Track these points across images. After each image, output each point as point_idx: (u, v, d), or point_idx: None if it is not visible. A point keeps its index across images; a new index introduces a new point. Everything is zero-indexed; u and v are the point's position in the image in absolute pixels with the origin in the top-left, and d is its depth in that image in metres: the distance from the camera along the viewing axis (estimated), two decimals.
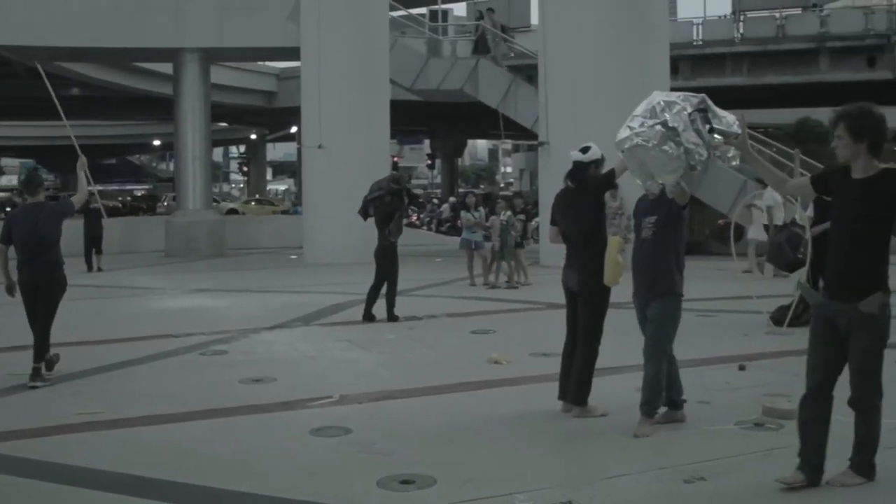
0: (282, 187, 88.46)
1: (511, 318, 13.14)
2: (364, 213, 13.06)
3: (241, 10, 26.90)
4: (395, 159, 49.22)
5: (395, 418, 7.37)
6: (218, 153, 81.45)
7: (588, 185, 7.33)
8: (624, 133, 6.65)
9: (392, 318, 12.59)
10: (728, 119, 6.59)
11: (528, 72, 26.60)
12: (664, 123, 6.45)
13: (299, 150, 27.89)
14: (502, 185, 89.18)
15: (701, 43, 36.98)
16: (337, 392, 8.22)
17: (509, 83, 25.91)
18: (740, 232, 20.67)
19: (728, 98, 40.68)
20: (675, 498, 5.44)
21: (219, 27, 27.08)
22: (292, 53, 26.00)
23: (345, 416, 7.42)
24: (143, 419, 7.46)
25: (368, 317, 12.66)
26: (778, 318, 11.33)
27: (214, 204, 51.50)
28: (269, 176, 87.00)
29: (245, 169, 74.84)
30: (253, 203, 55.40)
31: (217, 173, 78.92)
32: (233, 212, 48.25)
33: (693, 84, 35.89)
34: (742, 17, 37.16)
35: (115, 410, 7.71)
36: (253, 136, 66.59)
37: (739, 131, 6.32)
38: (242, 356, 10.27)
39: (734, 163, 6.85)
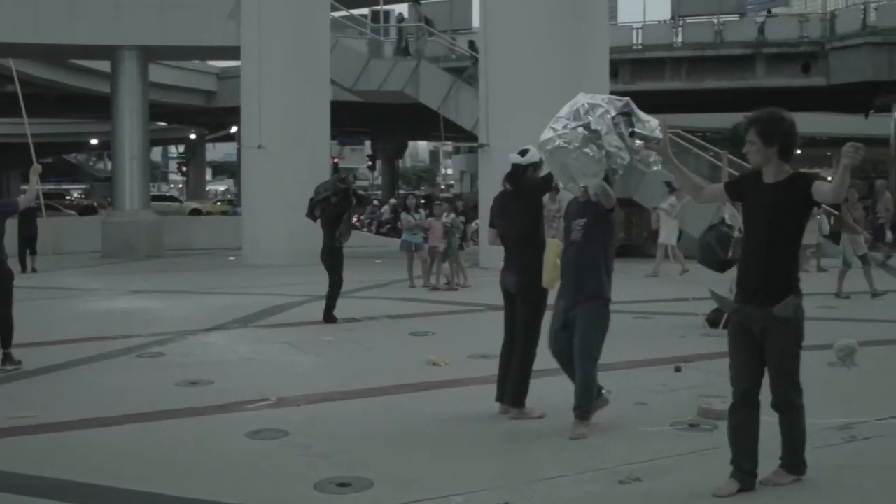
0: (221, 188, 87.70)
1: (450, 319, 13.16)
2: (311, 214, 12.97)
3: (180, 7, 26.57)
4: (336, 160, 48.99)
5: (333, 420, 7.35)
6: (157, 153, 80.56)
7: (526, 188, 7.36)
8: (547, 134, 6.65)
9: (330, 319, 12.55)
10: (651, 123, 6.59)
11: (469, 73, 26.69)
12: (587, 126, 6.46)
13: (239, 151, 27.62)
14: (443, 186, 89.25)
15: (641, 47, 37.36)
16: (274, 394, 8.17)
17: (450, 85, 25.98)
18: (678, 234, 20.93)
19: (668, 102, 41.32)
20: (610, 499, 5.48)
21: (158, 25, 26.72)
22: (233, 53, 25.77)
23: (282, 418, 7.38)
24: (78, 423, 7.35)
25: (331, 319, 12.63)
26: (713, 319, 11.47)
27: (178, 204, 50.99)
28: (208, 176, 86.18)
29: (184, 169, 74.04)
30: (219, 203, 54.84)
31: (155, 173, 78.09)
32: (196, 212, 47.86)
33: (633, 88, 36.28)
34: (681, 23, 37.59)
35: (49, 414, 7.59)
36: (192, 136, 65.87)
37: (661, 136, 6.28)
38: (179, 358, 10.17)
39: (655, 168, 6.84)
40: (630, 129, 6.50)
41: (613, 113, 6.54)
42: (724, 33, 36.64)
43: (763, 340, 5.42)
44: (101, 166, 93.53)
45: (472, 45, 28.50)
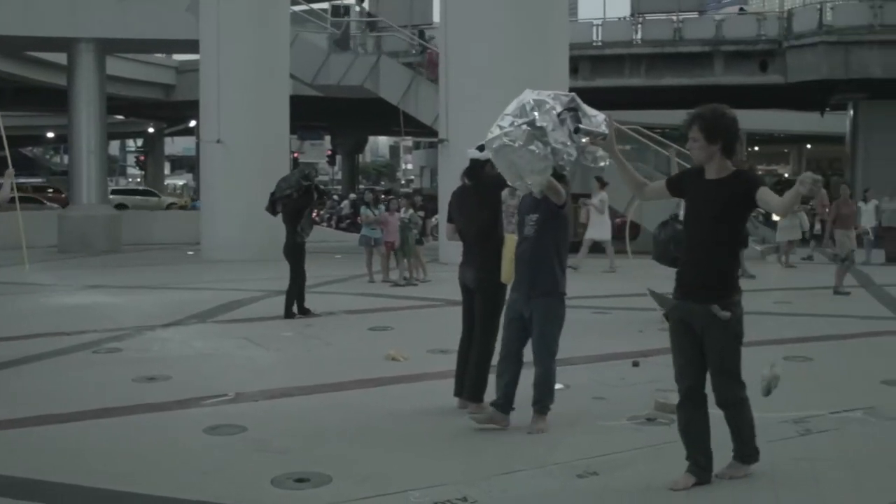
0: (180, 182, 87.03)
1: (409, 314, 13.16)
2: (272, 209, 12.93)
3: (138, 0, 26.37)
4: (296, 155, 48.79)
5: (292, 416, 7.33)
6: (115, 146, 79.73)
7: (485, 183, 7.37)
8: (493, 132, 6.60)
9: (289, 315, 12.52)
10: (597, 119, 6.57)
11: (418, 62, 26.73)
12: (531, 123, 6.41)
13: (198, 145, 27.46)
14: (403, 182, 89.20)
15: (600, 44, 37.52)
16: (232, 390, 8.14)
17: (410, 80, 25.96)
18: (636, 230, 21.10)
19: (627, 99, 41.55)
20: (568, 493, 5.51)
21: (115, 17, 26.46)
22: (191, 46, 25.58)
23: (240, 414, 7.35)
24: (33, 419, 7.26)
25: (303, 311, 12.61)
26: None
27: (155, 199, 50.42)
28: (167, 170, 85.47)
29: (142, 159, 73.25)
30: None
31: (113, 167, 77.30)
32: (174, 207, 47.54)
33: (593, 84, 36.49)
34: (640, 20, 37.79)
35: (2, 410, 7.49)
36: (151, 130, 65.26)
37: (607, 131, 6.25)
38: (136, 354, 10.09)
39: (602, 164, 6.83)
40: (575, 125, 6.47)
41: (559, 109, 6.51)
42: (683, 31, 36.91)
43: (703, 337, 5.43)
44: (57, 160, 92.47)
45: (421, 34, 28.50)
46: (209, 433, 6.78)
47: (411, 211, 17.11)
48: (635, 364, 9.05)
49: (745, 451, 5.62)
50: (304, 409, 7.56)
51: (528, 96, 6.65)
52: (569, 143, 6.46)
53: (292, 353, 10.24)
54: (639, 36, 37.33)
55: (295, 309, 12.64)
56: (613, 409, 7.33)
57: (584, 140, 6.51)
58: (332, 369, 9.15)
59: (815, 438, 6.58)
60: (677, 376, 5.58)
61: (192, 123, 47.00)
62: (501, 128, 6.53)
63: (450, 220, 7.72)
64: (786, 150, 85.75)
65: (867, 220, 21.38)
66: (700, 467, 5.51)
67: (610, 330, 11.39)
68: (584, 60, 36.48)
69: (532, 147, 6.39)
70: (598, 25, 38.11)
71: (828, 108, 45.67)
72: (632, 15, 38.04)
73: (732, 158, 5.47)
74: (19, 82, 39.28)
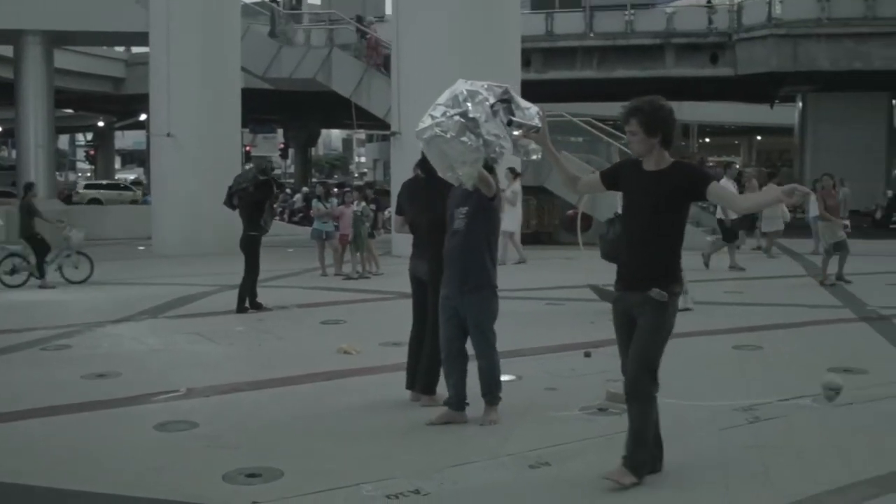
0: (131, 176, 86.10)
1: (362, 308, 13.13)
2: (229, 203, 12.89)
3: None
4: (248, 148, 48.48)
5: (243, 411, 7.29)
6: (64, 141, 78.70)
7: (437, 175, 7.34)
8: (425, 122, 6.52)
9: (241, 309, 12.45)
10: (531, 111, 6.47)
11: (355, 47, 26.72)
12: (464, 114, 6.34)
13: (148, 139, 27.20)
14: (356, 174, 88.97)
15: (553, 36, 37.65)
16: (184, 386, 8.07)
17: (362, 73, 25.89)
18: (588, 222, 21.17)
19: (579, 91, 41.68)
20: (520, 483, 5.52)
21: (63, 9, 26.19)
22: (141, 39, 25.32)
23: (191, 409, 7.29)
24: None
25: (255, 305, 12.56)
26: None
27: (129, 193, 49.55)
28: (117, 164, 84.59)
29: (92, 153, 72.37)
30: None
31: (63, 161, 76.32)
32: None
33: (545, 76, 36.66)
34: (592, 13, 37.97)
35: None
36: (101, 124, 64.58)
37: (539, 124, 6.16)
38: (86, 351, 9.98)
39: (534, 157, 6.77)
40: (508, 118, 6.39)
41: (492, 100, 6.43)
42: (635, 23, 37.14)
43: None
44: (4, 154, 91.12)
45: (359, 19, 28.42)
46: (160, 430, 6.72)
47: (363, 204, 17.07)
48: (587, 355, 9.08)
49: (637, 457, 5.37)
50: (255, 404, 7.51)
51: (462, 86, 6.56)
52: (501, 136, 6.39)
53: (244, 347, 10.18)
54: (591, 28, 37.49)
55: (247, 303, 12.57)
56: (565, 400, 7.35)
57: (516, 133, 6.42)
58: (283, 364, 9.11)
59: (765, 426, 6.65)
60: (623, 368, 5.54)
61: (143, 117, 46.51)
62: (434, 118, 6.45)
63: (399, 211, 7.68)
64: (736, 142, 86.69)
65: (814, 210, 21.52)
66: (650, 455, 5.52)
67: (562, 321, 11.44)
68: (537, 53, 36.63)
69: (464, 138, 6.32)
70: (550, 18, 38.22)
71: (777, 101, 46.24)
72: (584, 8, 38.22)
73: (670, 149, 5.43)
74: None
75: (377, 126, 29.12)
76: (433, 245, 7.24)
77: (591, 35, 37.46)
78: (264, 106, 42.01)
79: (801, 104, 42.89)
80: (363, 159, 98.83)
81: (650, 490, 5.34)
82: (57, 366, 9.18)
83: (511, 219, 18.76)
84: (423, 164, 7.40)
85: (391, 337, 9.65)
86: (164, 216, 22.42)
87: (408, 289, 7.61)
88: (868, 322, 11.28)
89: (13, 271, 15.99)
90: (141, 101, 33.41)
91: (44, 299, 14.34)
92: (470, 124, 6.33)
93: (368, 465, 5.80)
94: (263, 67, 27.20)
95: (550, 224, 24.67)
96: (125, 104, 49.23)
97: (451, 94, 6.53)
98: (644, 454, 5.38)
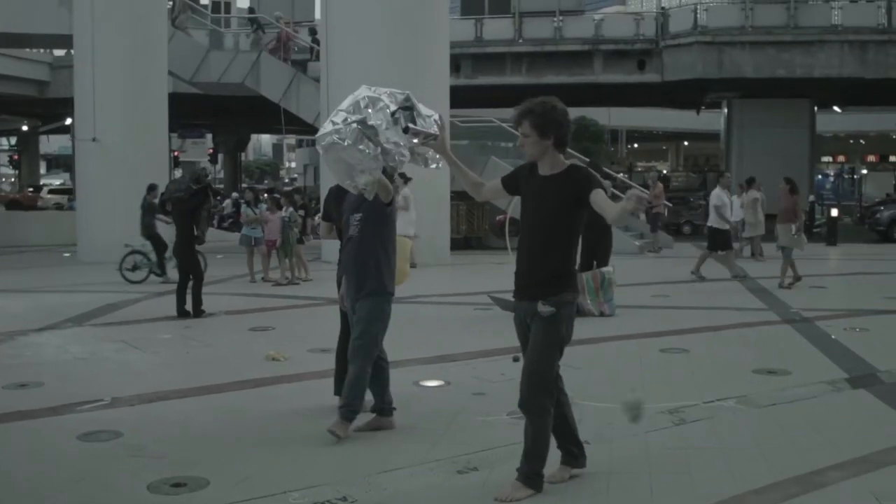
0: (57, 181, 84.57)
1: (290, 314, 13.04)
2: (163, 209, 13.00)
3: None
4: (176, 154, 47.91)
5: (169, 420, 7.18)
6: None
7: None
8: (325, 128, 6.39)
9: (199, 313, 12.42)
10: (430, 119, 6.35)
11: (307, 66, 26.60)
12: (363, 121, 6.23)
13: (74, 143, 26.75)
14: (287, 180, 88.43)
15: (482, 42, 37.80)
16: (108, 395, 7.94)
17: (291, 77, 25.77)
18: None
19: (509, 96, 41.73)
20: (448, 488, 5.53)
21: None
22: (65, 41, 24.91)
23: (116, 419, 7.17)
24: None
25: (183, 313, 12.48)
26: None
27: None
28: (42, 169, 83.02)
29: (16, 158, 70.95)
30: None
31: None
32: None
33: (475, 82, 36.79)
34: (521, 18, 38.19)
35: None
36: (25, 128, 63.32)
37: (437, 132, 6.02)
38: (8, 360, 9.76)
39: (433, 165, 6.63)
40: (406, 125, 6.25)
41: (393, 108, 6.32)
42: (564, 30, 37.44)
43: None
44: None
45: (312, 31, 28.39)
46: (83, 440, 6.60)
47: (291, 209, 16.99)
48: (515, 359, 9.04)
49: (531, 468, 5.30)
50: (181, 413, 7.42)
51: (363, 92, 6.44)
52: (401, 143, 6.27)
53: (171, 355, 10.06)
54: (520, 34, 37.71)
55: (189, 307, 12.51)
56: (493, 405, 7.37)
57: (414, 140, 6.29)
58: (210, 371, 9.01)
59: (689, 428, 6.74)
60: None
61: (68, 121, 45.76)
62: (335, 123, 6.33)
63: (326, 217, 7.61)
64: (664, 147, 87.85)
65: (738, 213, 21.90)
66: (573, 456, 5.56)
67: (491, 326, 11.46)
68: (466, 58, 36.78)
69: (361, 146, 6.20)
70: (480, 23, 38.36)
71: (703, 107, 46.93)
72: (513, 14, 38.44)
73: (564, 152, 5.31)
74: None
75: (307, 131, 28.94)
76: None
77: (521, 41, 37.68)
78: (193, 110, 41.56)
79: (726, 110, 43.56)
80: (293, 164, 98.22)
81: (574, 492, 5.38)
82: None
83: (406, 223, 18.89)
84: None
85: (320, 343, 9.61)
86: (90, 222, 22.04)
87: (336, 294, 7.56)
88: (791, 324, 11.50)
89: (135, 268, 17.09)
90: (66, 105, 32.85)
91: None
92: (369, 132, 6.20)
93: (296, 473, 5.76)
94: (191, 72, 26.91)
95: (480, 229, 24.77)
96: (50, 108, 48.30)
97: (353, 99, 6.40)
98: (539, 466, 5.30)
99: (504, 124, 26.42)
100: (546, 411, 5.25)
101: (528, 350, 5.26)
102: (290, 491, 5.41)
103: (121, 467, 5.99)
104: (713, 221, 17.12)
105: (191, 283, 12.69)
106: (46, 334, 11.41)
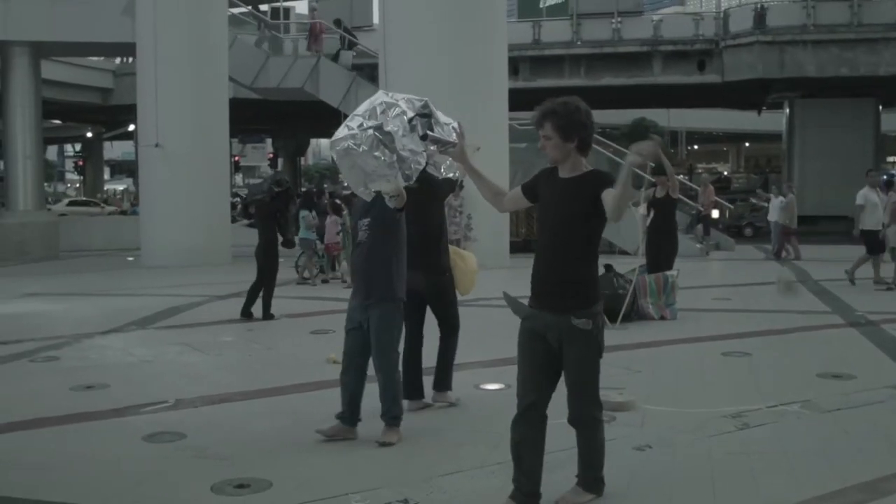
0: (120, 187, 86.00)
1: None
2: (245, 213, 13.30)
3: (73, 2, 26.00)
4: (237, 158, 48.43)
5: (232, 422, 7.26)
6: (52, 151, 78.55)
7: (430, 184, 7.18)
8: (340, 133, 6.25)
9: (268, 317, 12.61)
10: (449, 127, 6.18)
11: (369, 71, 26.67)
12: (379, 127, 6.06)
13: (137, 149, 27.18)
14: (346, 184, 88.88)
15: (540, 44, 37.74)
16: (172, 397, 8.04)
17: (350, 82, 25.91)
18: None
19: None
20: (508, 492, 5.47)
21: (50, 20, 26.13)
22: (128, 49, 25.29)
23: (179, 421, 7.27)
24: None
25: (247, 314, 12.68)
26: (608, 312, 11.66)
27: (97, 208, 49.63)
28: (106, 175, 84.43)
29: (81, 164, 72.23)
30: None
31: (51, 172, 76.16)
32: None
33: (533, 85, 36.72)
34: (579, 20, 38.08)
35: None
36: (89, 135, 64.46)
37: (456, 140, 5.74)
38: (74, 362, 9.94)
39: (450, 174, 6.46)
40: (424, 132, 6.07)
41: (411, 114, 6.18)
42: (622, 31, 37.25)
43: (559, 350, 5.00)
44: None
45: (337, 23, 28.56)
46: (148, 441, 6.70)
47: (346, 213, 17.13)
48: None
49: (591, 476, 5.26)
50: (244, 415, 7.49)
51: (381, 97, 6.33)
52: (418, 151, 6.09)
53: (233, 358, 10.15)
54: (578, 36, 37.60)
55: (258, 311, 12.67)
56: (554, 408, 7.29)
57: (431, 148, 6.12)
58: (272, 374, 9.09)
59: (753, 432, 6.66)
60: (520, 390, 5.15)
61: (131, 128, 46.49)
62: (349, 128, 6.18)
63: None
64: (725, 149, 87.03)
65: (774, 214, 22.13)
66: (523, 493, 5.13)
67: None
68: (524, 61, 36.73)
69: (377, 153, 6.06)
70: (538, 26, 38.33)
71: (764, 107, 46.39)
72: (571, 16, 38.35)
73: (587, 155, 5.07)
74: None
75: None
76: (425, 255, 7.15)
77: (579, 43, 37.55)
78: (252, 116, 42.00)
79: (788, 110, 43.03)
80: None
81: (636, 497, 5.35)
82: (45, 378, 9.14)
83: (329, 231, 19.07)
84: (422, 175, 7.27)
85: None
86: (153, 227, 22.37)
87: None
88: (856, 328, 11.31)
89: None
90: (129, 112, 33.39)
91: (32, 311, 14.29)
92: (385, 139, 6.04)
93: (357, 475, 5.79)
94: (251, 78, 27.21)
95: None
96: (113, 115, 49.13)
97: (370, 104, 6.28)
98: (598, 471, 5.26)
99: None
100: (599, 422, 5.21)
101: (570, 365, 5.02)
102: (350, 493, 5.44)
103: (184, 468, 6.07)
104: (866, 224, 16.07)
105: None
106: (111, 337, 11.60)
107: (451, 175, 6.57)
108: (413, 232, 7.20)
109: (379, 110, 6.21)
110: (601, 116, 51.48)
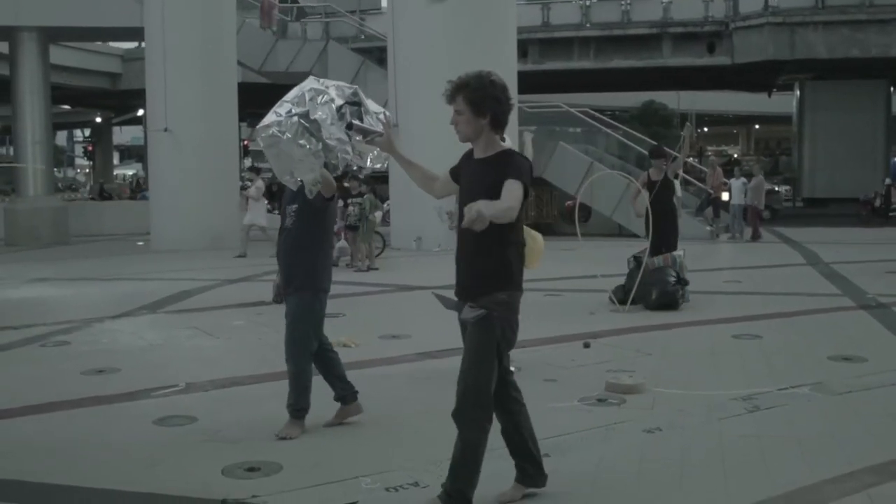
0: (129, 172, 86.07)
1: (362, 300, 13.08)
2: (270, 197, 13.18)
3: None
4: (246, 143, 48.40)
5: (242, 405, 7.28)
6: (62, 137, 78.61)
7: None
8: (268, 119, 6.11)
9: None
10: (379, 116, 6.04)
11: (378, 54, 26.62)
12: (305, 115, 5.94)
13: (146, 134, 27.17)
14: (354, 168, 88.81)
15: (549, 27, 37.59)
16: (182, 380, 8.07)
17: (359, 66, 25.87)
18: (587, 212, 21.20)
19: (577, 81, 41.57)
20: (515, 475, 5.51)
21: (58, 5, 26.05)
22: (137, 34, 25.26)
23: (190, 404, 7.29)
24: None
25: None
26: (621, 298, 11.67)
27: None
28: (116, 160, 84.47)
29: (90, 149, 72.30)
30: None
31: (61, 158, 76.21)
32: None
33: (542, 67, 36.63)
34: (589, 3, 37.92)
35: None
36: (98, 120, 64.47)
37: (382, 130, 5.60)
38: (85, 347, 9.96)
39: (377, 165, 6.28)
40: (349, 122, 5.95)
41: (340, 102, 6.04)
42: (631, 13, 37.08)
43: None
44: (2, 151, 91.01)
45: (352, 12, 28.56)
46: (159, 424, 6.72)
47: (369, 195, 17.05)
48: (586, 345, 9.08)
49: (452, 487, 4.75)
50: (254, 398, 7.51)
51: (310, 84, 6.18)
52: (346, 140, 5.98)
53: (243, 341, 10.16)
54: (588, 18, 37.44)
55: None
56: (564, 391, 7.35)
57: (357, 138, 6.00)
58: (282, 357, 9.01)
59: (763, 415, 6.65)
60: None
61: (140, 112, 46.48)
62: (277, 115, 6.06)
63: None
64: (735, 131, 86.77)
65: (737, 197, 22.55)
66: (527, 475, 5.10)
67: (561, 312, 11.43)
68: (533, 44, 36.61)
69: (302, 141, 5.93)
70: (547, 8, 38.16)
71: (775, 89, 46.19)
72: None
73: (501, 133, 4.77)
74: None
75: None
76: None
77: (588, 25, 37.39)
78: (261, 100, 41.94)
79: (798, 92, 42.85)
80: None
81: (647, 479, 5.34)
82: (56, 362, 9.18)
83: (256, 213, 19.18)
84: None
85: (390, 330, 9.67)
86: (163, 211, 22.40)
87: (406, 282, 7.59)
88: (867, 310, 11.28)
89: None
90: (138, 97, 33.37)
91: (42, 295, 14.32)
92: (312, 126, 5.92)
93: (367, 458, 5.80)
94: (259, 62, 27.19)
95: (549, 215, 24.68)
96: (122, 99, 49.13)
97: (300, 91, 6.14)
98: (463, 486, 4.72)
99: (572, 109, 26.27)
100: (478, 426, 4.71)
101: (463, 358, 4.74)
102: (361, 476, 5.44)
103: (196, 451, 6.08)
104: None
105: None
106: (122, 321, 11.62)
107: (378, 165, 6.43)
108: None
109: (307, 97, 6.06)
110: (610, 99, 51.32)
